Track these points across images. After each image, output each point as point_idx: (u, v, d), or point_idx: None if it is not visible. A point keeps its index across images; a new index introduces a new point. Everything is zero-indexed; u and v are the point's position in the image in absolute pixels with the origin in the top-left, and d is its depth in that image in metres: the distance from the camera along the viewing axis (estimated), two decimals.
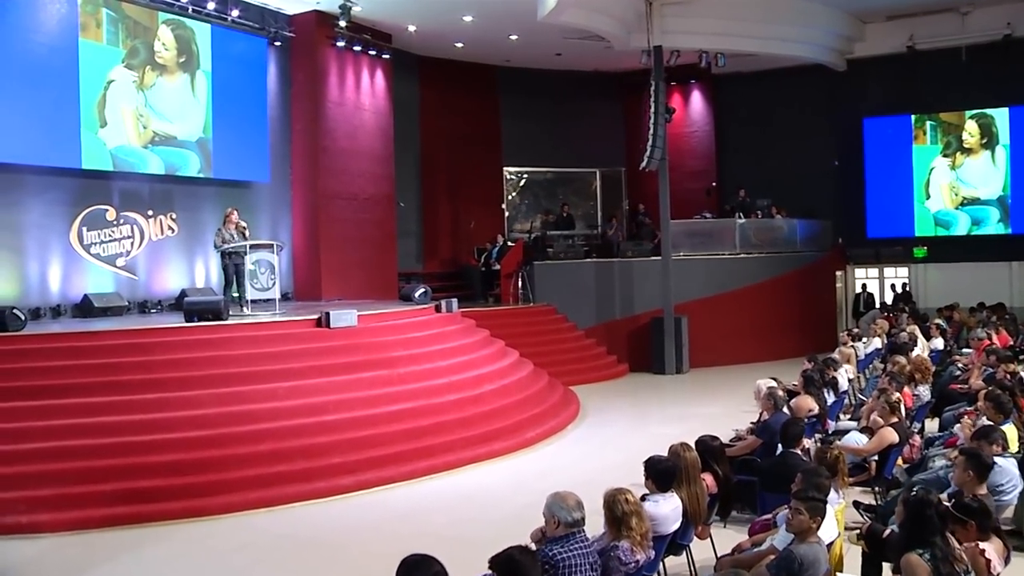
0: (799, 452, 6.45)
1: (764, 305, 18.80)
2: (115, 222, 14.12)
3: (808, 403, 8.77)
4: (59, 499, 8.20)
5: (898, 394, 8.18)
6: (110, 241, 14.04)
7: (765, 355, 17.59)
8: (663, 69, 17.42)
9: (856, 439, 7.57)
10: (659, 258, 17.98)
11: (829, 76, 20.35)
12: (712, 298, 18.61)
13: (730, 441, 8.25)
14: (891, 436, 7.30)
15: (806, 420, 8.74)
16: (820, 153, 21.16)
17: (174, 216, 15.06)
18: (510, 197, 22.52)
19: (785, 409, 7.95)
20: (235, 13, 15.65)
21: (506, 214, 22.38)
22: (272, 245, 12.67)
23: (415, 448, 10.01)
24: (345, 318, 11.30)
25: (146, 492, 8.44)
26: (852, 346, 12.72)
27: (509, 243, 20.27)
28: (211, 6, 15.26)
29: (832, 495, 5.34)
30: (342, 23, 16.31)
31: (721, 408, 13.36)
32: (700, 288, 18.56)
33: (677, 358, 17.53)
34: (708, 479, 6.08)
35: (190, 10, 14.90)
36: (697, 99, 22.54)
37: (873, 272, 21.92)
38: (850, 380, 11.07)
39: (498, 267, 19.52)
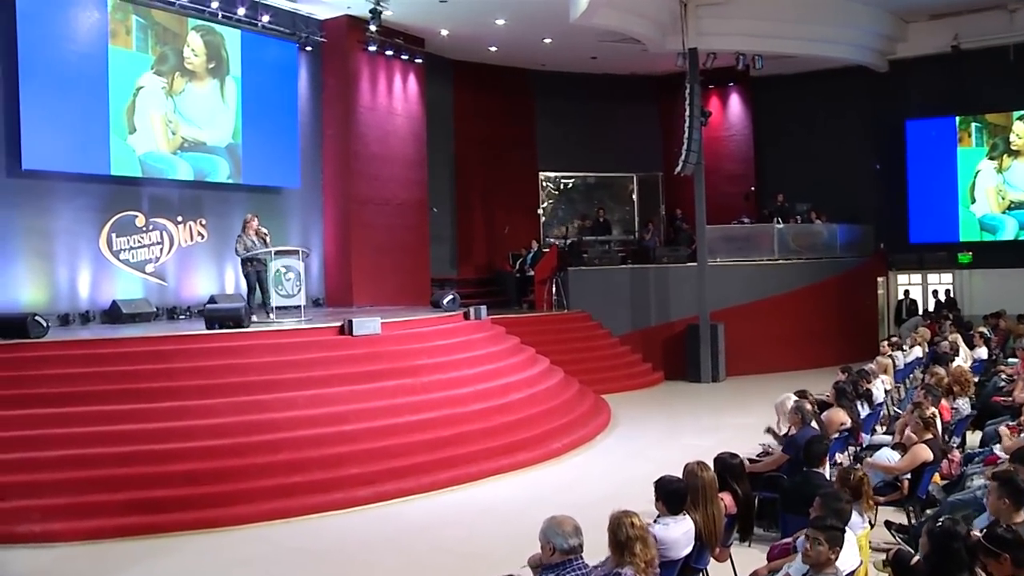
0: (823, 471, 6.13)
1: (803, 312, 18.37)
2: (144, 228, 14.12)
3: (840, 416, 8.44)
4: (73, 508, 8.13)
5: (933, 408, 7.80)
6: (139, 247, 14.05)
7: (804, 363, 17.18)
8: (698, 71, 17.05)
9: (888, 456, 7.21)
10: (695, 264, 17.63)
11: (870, 77, 19.85)
12: (750, 305, 18.21)
13: (757, 456, 7.95)
14: (924, 454, 6.94)
15: (838, 434, 8.44)
16: (861, 156, 20.66)
17: (204, 222, 15.04)
18: (546, 203, 22.30)
19: (814, 423, 7.62)
20: (265, 19, 15.62)
21: (542, 219, 22.16)
22: (298, 251, 12.53)
23: (436, 459, 9.80)
24: (368, 326, 11.14)
25: (160, 502, 8.34)
26: (891, 355, 12.29)
27: (544, 249, 20.05)
28: (241, 12, 15.23)
29: (856, 519, 5.05)
30: (372, 27, 16.19)
31: (756, 419, 12.83)
32: (737, 295, 18.18)
33: (713, 366, 17.17)
34: (727, 499, 5.80)
35: (220, 16, 14.88)
36: (735, 102, 22.11)
37: (916, 278, 21.30)
38: (887, 391, 10.66)
39: (532, 273, 19.32)
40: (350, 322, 11.04)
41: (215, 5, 14.78)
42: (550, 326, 17.48)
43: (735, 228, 19.38)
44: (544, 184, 22.28)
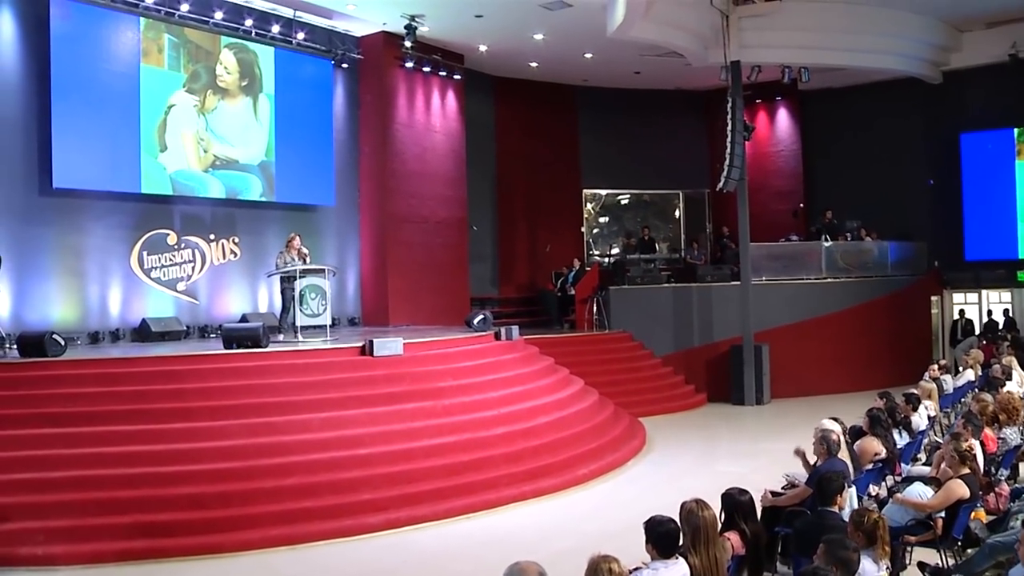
0: (836, 509, 5.64)
1: (852, 333, 17.71)
2: (176, 246, 14.10)
3: (874, 446, 7.91)
4: (76, 531, 7.96)
5: (973, 440, 7.24)
6: (171, 265, 14.02)
7: (852, 386, 16.52)
8: (742, 85, 16.56)
9: (920, 492, 6.67)
10: (739, 283, 17.08)
11: (923, 89, 19.15)
12: (796, 325, 17.62)
13: (782, 488, 7.46)
14: (960, 490, 6.39)
15: (871, 465, 7.91)
16: (914, 171, 19.96)
17: (236, 240, 14.98)
18: (591, 221, 21.95)
19: (843, 454, 7.11)
20: (300, 36, 15.57)
21: (585, 237, 21.80)
22: (323, 270, 12.33)
23: (453, 485, 9.46)
24: (390, 346, 10.87)
25: (164, 526, 8.13)
26: (940, 379, 11.65)
27: (587, 267, 19.68)
28: (276, 29, 15.22)
29: (868, 567, 4.59)
30: (408, 43, 16.08)
31: (796, 443, 12.41)
32: (783, 314, 17.60)
33: (757, 388, 16.58)
34: (734, 538, 5.36)
35: (253, 33, 14.86)
36: (783, 116, 21.53)
37: (972, 297, 20.42)
38: (931, 418, 10.03)
39: (574, 292, 18.96)
40: (371, 342, 10.77)
41: (249, 23, 14.77)
42: (589, 346, 17.08)
43: (781, 246, 18.80)
44: (588, 201, 21.94)
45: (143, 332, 13.34)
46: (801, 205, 20.83)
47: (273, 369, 10.21)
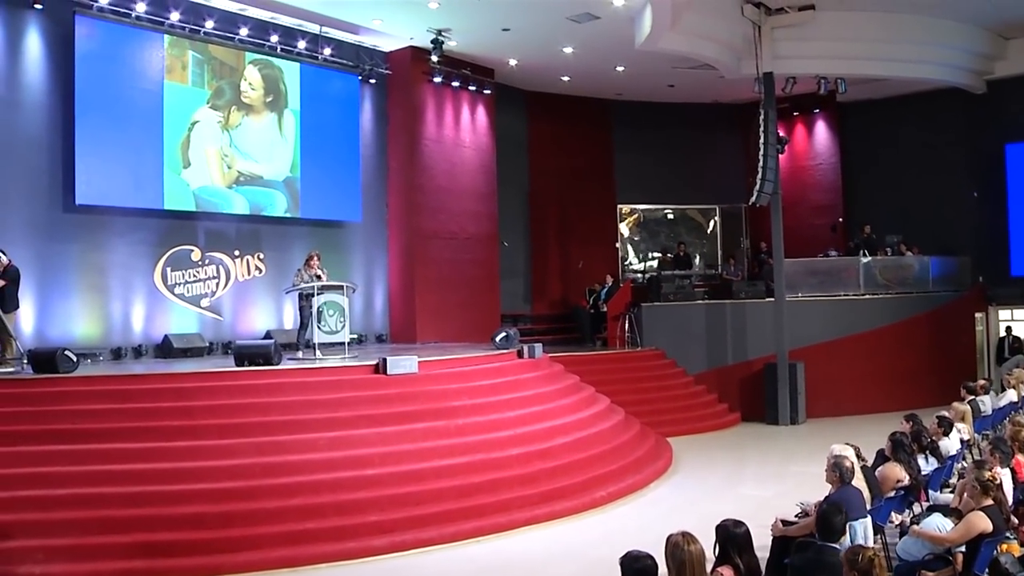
0: (839, 546, 5.28)
1: (891, 350, 17.15)
2: (200, 262, 14.11)
3: (896, 472, 7.50)
4: (76, 549, 7.85)
5: (1001, 468, 6.82)
6: (194, 281, 14.02)
7: (891, 405, 15.84)
8: (774, 97, 16.16)
9: (938, 524, 6.26)
10: (773, 299, 16.64)
11: (966, 99, 18.58)
12: (833, 342, 17.11)
13: (796, 516, 7.10)
14: (981, 523, 5.97)
15: (894, 492, 7.51)
16: (957, 183, 19.35)
17: (262, 256, 14.95)
18: (628, 236, 21.64)
19: (857, 481, 6.73)
20: (327, 52, 15.56)
21: (620, 253, 21.49)
22: (342, 287, 12.19)
23: (463, 507, 9.22)
24: (404, 364, 10.68)
25: (165, 546, 7.99)
26: (978, 400, 11.14)
27: (620, 283, 19.37)
28: (302, 45, 15.23)
29: None
30: (434, 58, 15.99)
31: (821, 468, 11.96)
32: (820, 331, 17.11)
33: (792, 407, 16.11)
34: (727, 573, 5.05)
35: (279, 49, 14.86)
36: (821, 129, 21.05)
37: (1020, 314, 19.64)
38: (964, 441, 9.55)
39: (606, 309, 18.67)
40: (384, 360, 10.59)
41: (274, 39, 14.78)
42: (620, 364, 16.79)
43: (817, 261, 18.31)
44: (624, 217, 21.63)
45: (165, 348, 13.34)
46: (840, 220, 20.31)
47: (283, 387, 10.08)
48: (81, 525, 8.04)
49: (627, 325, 18.06)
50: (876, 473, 7.56)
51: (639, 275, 20.62)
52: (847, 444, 7.16)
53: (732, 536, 5.18)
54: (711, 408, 16.76)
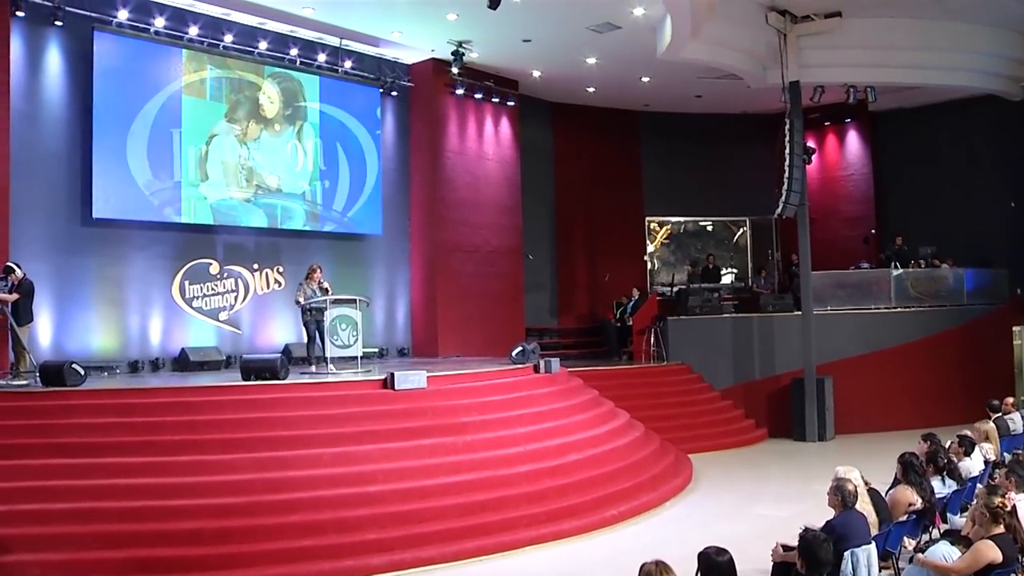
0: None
1: (923, 365, 16.67)
2: (218, 276, 14.13)
3: (907, 496, 7.20)
4: (72, 565, 7.79)
5: (1016, 494, 6.49)
6: (213, 295, 14.05)
7: (924, 421, 15.31)
8: (801, 107, 15.83)
9: (945, 552, 5.95)
10: (800, 313, 16.28)
11: (1002, 106, 18.00)
12: (863, 356, 16.68)
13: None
14: (990, 553, 5.65)
15: (905, 516, 7.21)
16: (994, 193, 18.78)
17: (281, 270, 14.95)
18: (658, 249, 21.38)
19: (861, 505, 6.46)
20: (348, 64, 15.55)
21: (648, 266, 21.22)
22: (355, 301, 12.10)
23: (466, 526, 9.04)
24: (412, 380, 10.55)
25: (160, 562, 7.91)
26: (1007, 418, 10.74)
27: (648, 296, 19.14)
28: (322, 58, 15.23)
29: None
30: (455, 69, 15.90)
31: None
32: (850, 346, 16.70)
33: (819, 423, 15.71)
34: None
35: (298, 63, 14.88)
36: (853, 139, 20.64)
37: None
38: (989, 462, 9.17)
39: (632, 323, 18.42)
40: (392, 375, 10.47)
41: (294, 52, 14.80)
42: (643, 379, 16.54)
43: (846, 274, 17.86)
44: (653, 229, 21.38)
45: (182, 362, 13.37)
46: (872, 231, 19.86)
47: (289, 402, 9.98)
48: (77, 540, 7.98)
49: (652, 339, 17.80)
50: (887, 497, 7.27)
51: (667, 288, 20.32)
52: (853, 468, 6.90)
53: (715, 565, 4.93)
54: (737, 424, 16.42)
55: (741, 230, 21.55)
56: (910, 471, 7.38)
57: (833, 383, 16.02)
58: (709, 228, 21.74)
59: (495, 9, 12.42)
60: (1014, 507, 6.25)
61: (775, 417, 16.50)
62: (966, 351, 17.05)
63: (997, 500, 5.94)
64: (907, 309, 17.28)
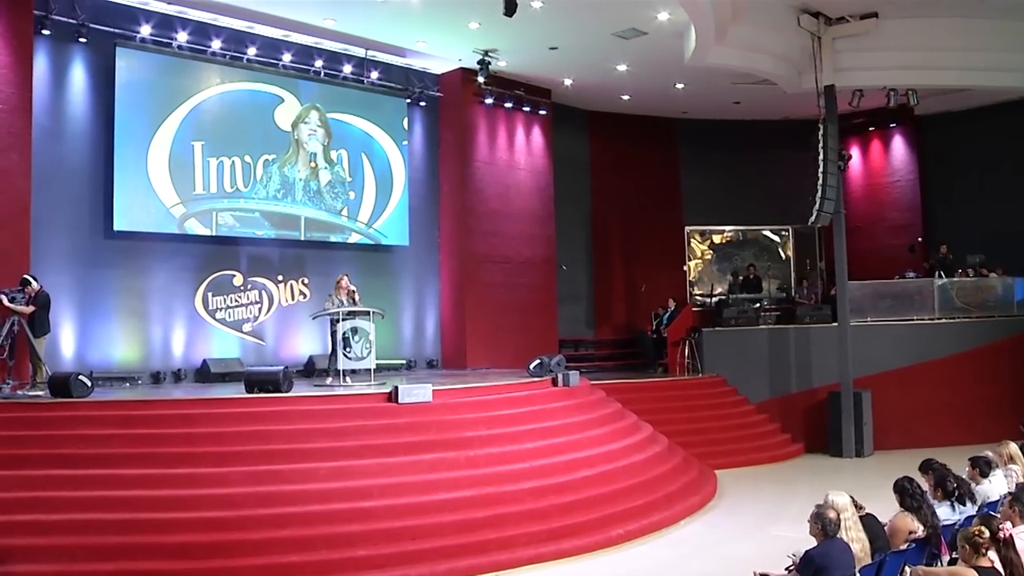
0: None
1: (969, 378, 15.98)
2: (242, 287, 14.19)
3: (906, 523, 6.77)
4: None
5: (1009, 525, 6.05)
6: (236, 306, 14.11)
7: (969, 438, 14.67)
8: (836, 111, 15.34)
9: None
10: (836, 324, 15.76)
11: None
12: (905, 369, 16.08)
13: (787, 569, 6.49)
14: None
15: (906, 544, 6.81)
16: None
17: (306, 281, 14.97)
18: (700, 259, 20.96)
19: (852, 534, 6.10)
20: (374, 75, 15.53)
21: (688, 276, 20.81)
22: (368, 312, 12.00)
23: (462, 543, 8.83)
24: (417, 393, 10.40)
25: (147, 575, 7.89)
26: None
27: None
28: (348, 70, 15.23)
29: None
30: (481, 79, 15.78)
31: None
32: (890, 358, 16.10)
33: (857, 439, 15.17)
34: None
35: (323, 74, 14.90)
36: (898, 144, 19.97)
37: None
38: (1020, 484, 8.63)
39: (667, 334, 18.06)
40: (396, 389, 10.35)
41: (319, 64, 14.84)
42: (676, 392, 16.19)
43: (886, 284, 17.20)
44: (692, 238, 20.97)
45: (204, 373, 13.44)
46: (919, 239, 19.15)
47: (290, 415, 9.91)
48: (69, 552, 7.99)
49: (687, 351, 17.43)
50: (886, 524, 6.89)
51: (707, 299, 19.88)
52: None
53: None
54: (772, 439, 15.95)
55: (784, 239, 21.00)
56: (906, 497, 6.97)
57: (872, 397, 15.47)
58: (751, 237, 21.24)
59: (511, 16, 12.24)
60: (1010, 538, 5.83)
61: (812, 432, 16.00)
62: (1017, 364, 16.30)
63: (987, 532, 5.54)
64: (952, 320, 16.61)
